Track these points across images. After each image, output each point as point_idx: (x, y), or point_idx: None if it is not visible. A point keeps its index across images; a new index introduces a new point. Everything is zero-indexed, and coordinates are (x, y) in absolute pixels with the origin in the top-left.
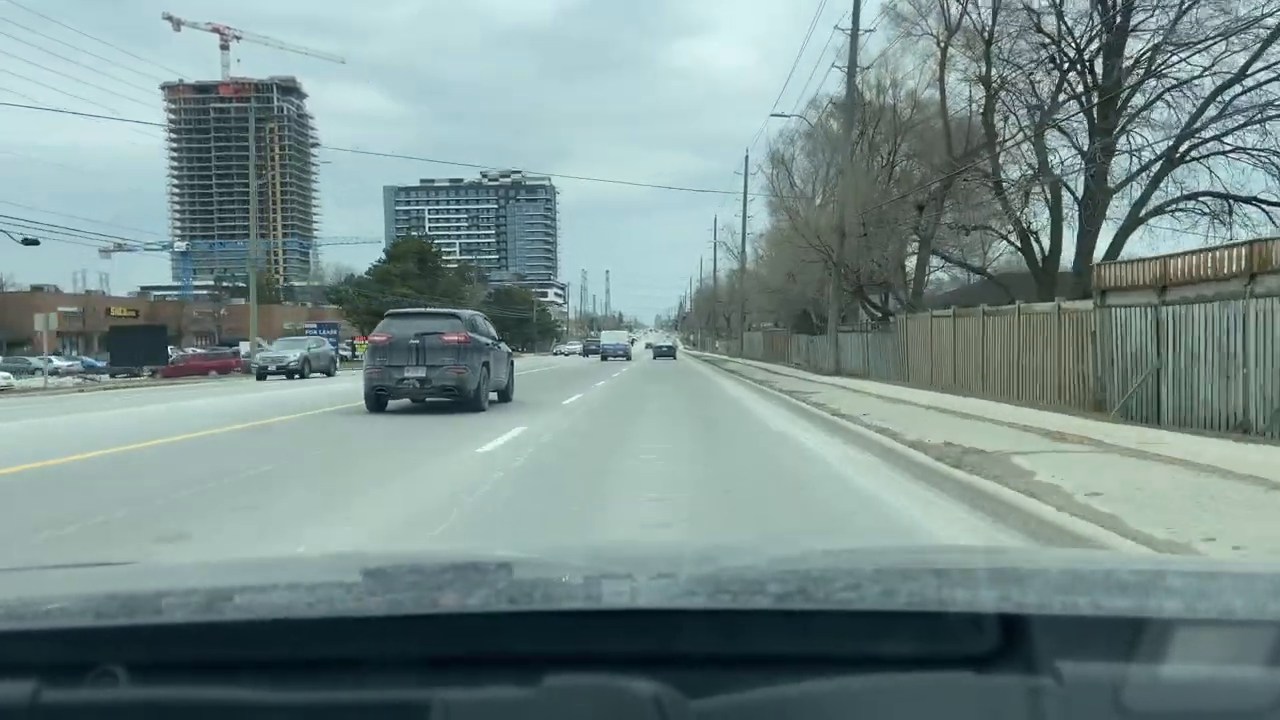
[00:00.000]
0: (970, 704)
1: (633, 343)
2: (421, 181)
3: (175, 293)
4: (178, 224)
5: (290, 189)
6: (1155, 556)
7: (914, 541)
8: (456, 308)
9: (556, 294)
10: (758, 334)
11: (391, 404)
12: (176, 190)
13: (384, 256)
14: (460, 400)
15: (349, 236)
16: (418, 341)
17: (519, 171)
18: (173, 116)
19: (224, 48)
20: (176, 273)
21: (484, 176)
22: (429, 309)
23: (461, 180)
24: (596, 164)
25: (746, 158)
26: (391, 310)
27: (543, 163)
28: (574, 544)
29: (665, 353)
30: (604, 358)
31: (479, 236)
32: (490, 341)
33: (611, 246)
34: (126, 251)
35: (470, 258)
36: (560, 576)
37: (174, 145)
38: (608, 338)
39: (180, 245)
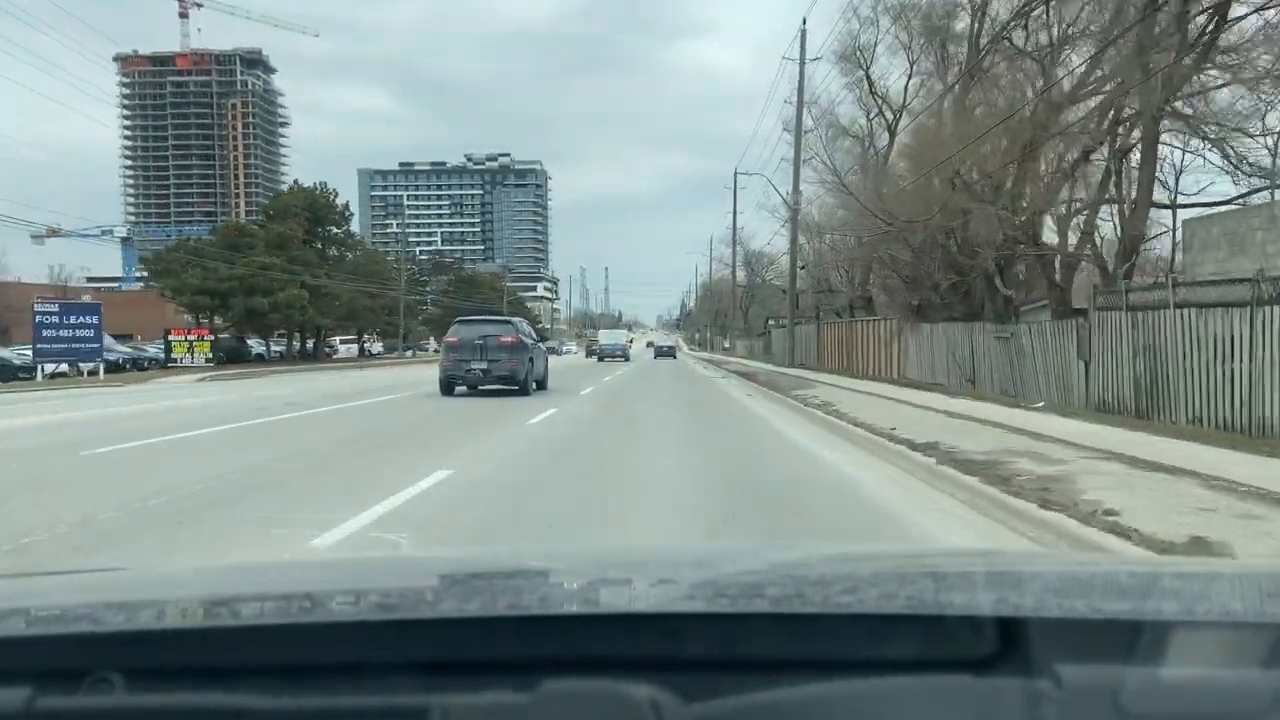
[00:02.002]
0: (969, 707)
1: (630, 342)
2: (400, 165)
3: (118, 283)
4: (130, 208)
5: (255, 171)
6: (1153, 559)
7: None
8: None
9: (547, 288)
10: (809, 327)
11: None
12: (130, 172)
13: (261, 215)
14: (511, 387)
15: None
16: (481, 341)
17: (507, 155)
18: (126, 91)
19: (183, 15)
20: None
21: (469, 160)
22: (489, 317)
23: (444, 164)
24: (597, 165)
25: (803, 30)
26: (459, 318)
27: (544, 161)
28: (574, 548)
29: (665, 352)
30: (600, 358)
31: (463, 225)
32: (532, 342)
33: (613, 248)
34: (62, 238)
35: (453, 248)
36: (559, 581)
37: (127, 122)
38: (605, 337)
39: (120, 231)
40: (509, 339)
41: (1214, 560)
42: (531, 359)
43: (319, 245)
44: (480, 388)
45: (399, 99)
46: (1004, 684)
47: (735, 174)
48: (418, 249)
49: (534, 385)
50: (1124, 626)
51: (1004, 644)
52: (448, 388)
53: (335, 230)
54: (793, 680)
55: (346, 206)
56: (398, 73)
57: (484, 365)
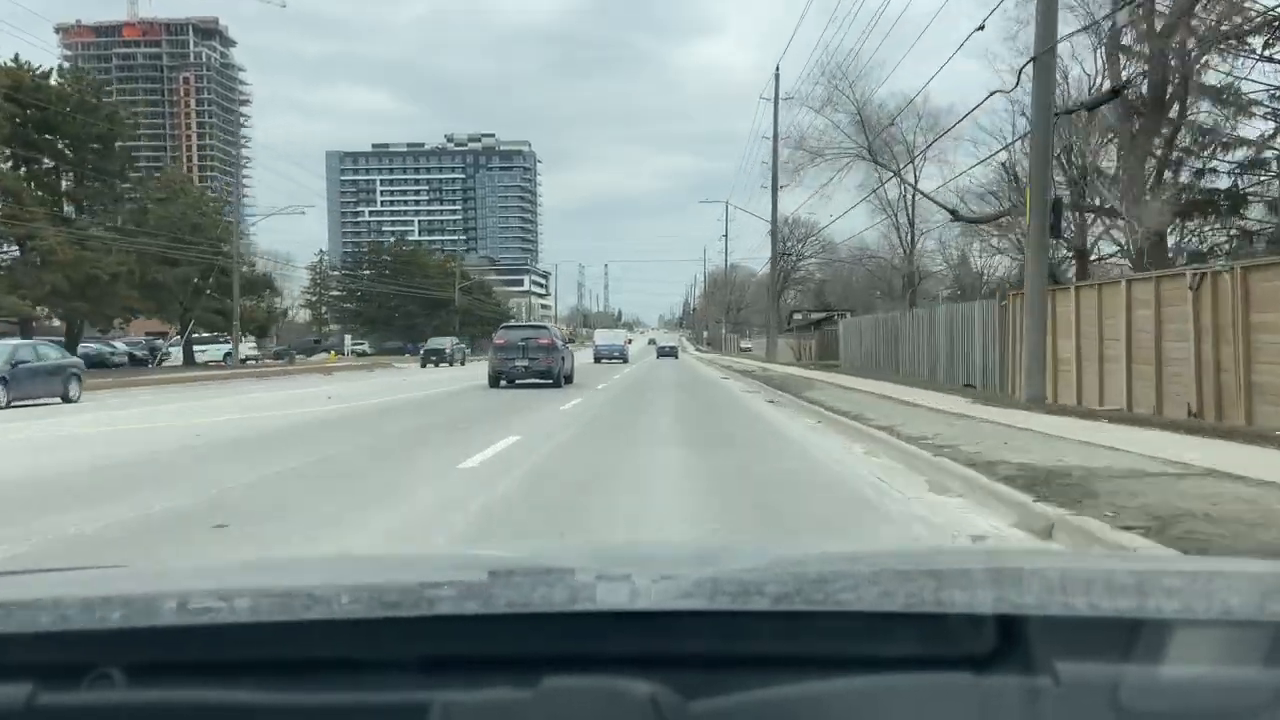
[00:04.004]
0: (968, 704)
1: (630, 342)
2: (374, 146)
3: None
4: None
5: (211, 150)
6: (1153, 556)
7: None
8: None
9: (536, 283)
10: (966, 307)
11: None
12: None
13: None
14: (547, 380)
15: (278, 207)
16: (523, 342)
17: (492, 135)
18: (67, 65)
19: None
20: None
21: (449, 141)
22: (529, 323)
23: (422, 145)
24: (597, 165)
25: None
26: (505, 324)
27: (546, 161)
28: (574, 544)
29: (667, 352)
30: (597, 360)
31: (443, 213)
32: (562, 343)
33: (614, 249)
34: None
35: (431, 238)
36: (559, 578)
37: None
38: (602, 337)
39: None
40: (545, 340)
41: (1215, 558)
42: (563, 358)
43: (55, 175)
44: (519, 381)
45: (399, 98)
46: (1004, 681)
47: (775, 72)
48: (392, 238)
49: (564, 380)
50: (1124, 624)
51: (1004, 641)
52: (495, 381)
53: (101, 151)
54: (793, 678)
55: (121, 115)
56: (397, 72)
57: (525, 363)
